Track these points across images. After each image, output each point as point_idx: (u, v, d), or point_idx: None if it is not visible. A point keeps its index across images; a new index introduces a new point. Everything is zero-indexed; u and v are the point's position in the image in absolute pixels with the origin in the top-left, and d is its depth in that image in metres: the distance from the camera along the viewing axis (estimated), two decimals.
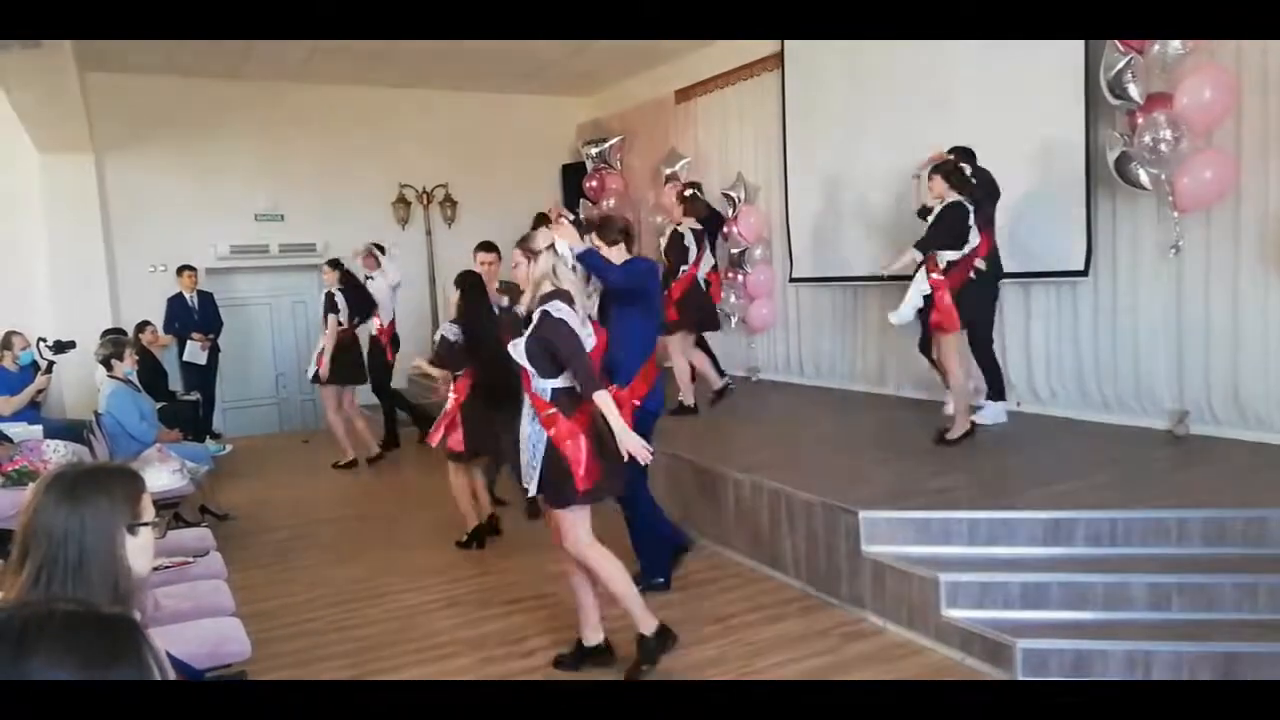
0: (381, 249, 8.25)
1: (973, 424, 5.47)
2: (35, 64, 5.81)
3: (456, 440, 5.25)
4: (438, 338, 5.52)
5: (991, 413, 5.86)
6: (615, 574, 3.57)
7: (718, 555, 5.06)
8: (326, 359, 7.70)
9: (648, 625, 3.60)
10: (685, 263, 6.77)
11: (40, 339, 7.29)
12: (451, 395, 5.28)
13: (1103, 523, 3.94)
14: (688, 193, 7.16)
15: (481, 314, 5.32)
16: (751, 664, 3.73)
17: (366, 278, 8.15)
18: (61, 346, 7.03)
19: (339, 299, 7.77)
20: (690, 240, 6.81)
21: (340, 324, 7.74)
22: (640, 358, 4.26)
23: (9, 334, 7.08)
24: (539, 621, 4.24)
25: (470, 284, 5.43)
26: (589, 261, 3.88)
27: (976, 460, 5.17)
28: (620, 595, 3.58)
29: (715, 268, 7.25)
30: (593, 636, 3.75)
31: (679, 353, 6.79)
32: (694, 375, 6.93)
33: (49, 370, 6.79)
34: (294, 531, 6.03)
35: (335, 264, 7.96)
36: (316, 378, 7.84)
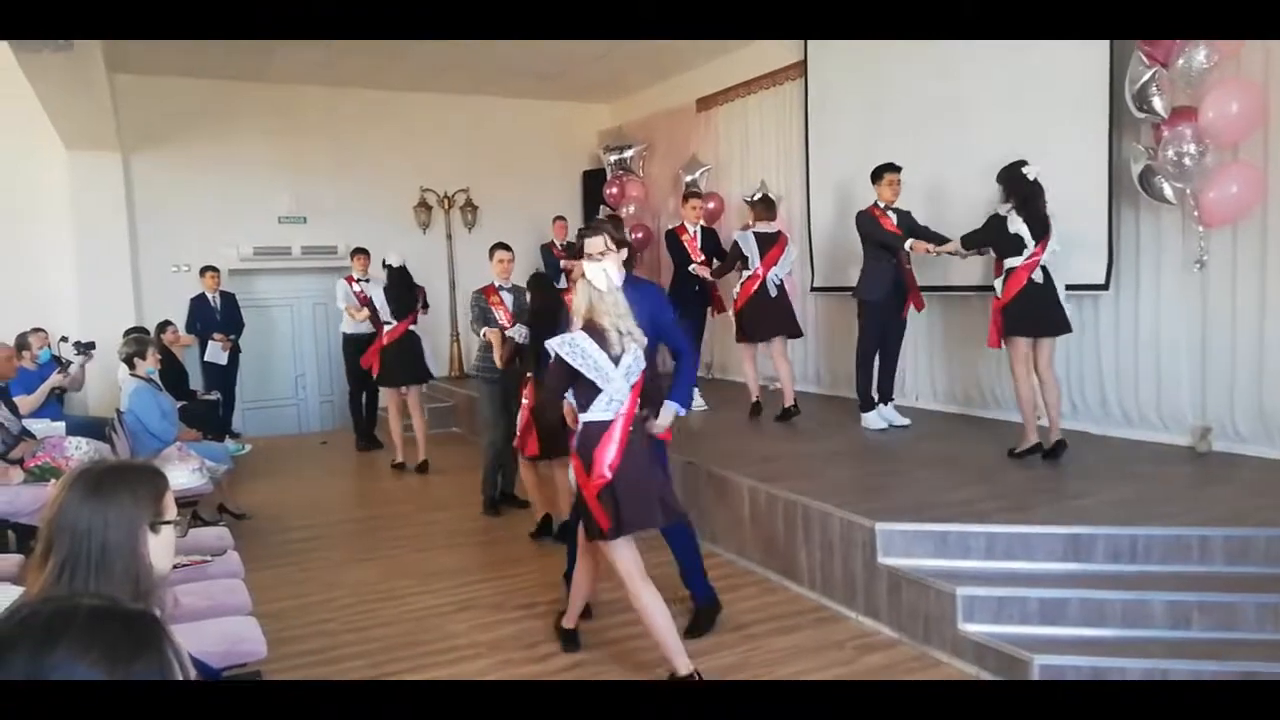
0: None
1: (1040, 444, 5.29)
2: (66, 64, 5.90)
3: (532, 445, 5.25)
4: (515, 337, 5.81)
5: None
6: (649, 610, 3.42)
7: (732, 564, 5.05)
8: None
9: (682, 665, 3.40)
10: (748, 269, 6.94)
11: (62, 338, 7.38)
12: (524, 401, 5.25)
13: (1123, 539, 3.90)
14: (756, 196, 7.24)
15: (547, 316, 5.04)
16: (766, 674, 3.72)
17: (365, 280, 8.26)
18: (82, 348, 7.13)
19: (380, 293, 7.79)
20: (752, 245, 6.93)
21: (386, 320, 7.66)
22: None
23: (26, 334, 7.15)
24: (553, 626, 4.24)
25: (541, 285, 5.44)
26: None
27: (995, 474, 5.14)
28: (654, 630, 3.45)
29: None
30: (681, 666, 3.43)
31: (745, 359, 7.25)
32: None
33: (65, 368, 6.87)
34: (310, 532, 6.06)
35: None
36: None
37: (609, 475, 3.34)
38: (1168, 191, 5.15)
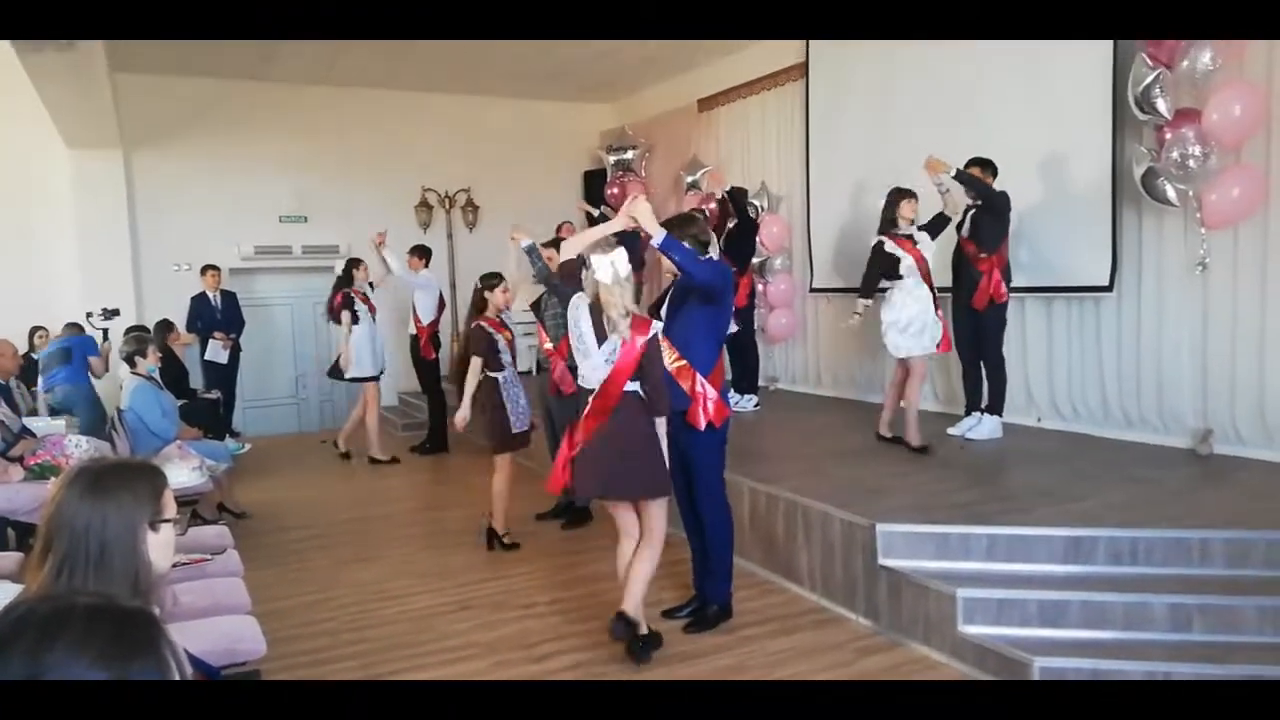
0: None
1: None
2: (67, 63, 5.90)
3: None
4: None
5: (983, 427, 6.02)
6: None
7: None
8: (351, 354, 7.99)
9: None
10: None
11: (88, 313, 7.56)
12: None
13: (1124, 541, 3.90)
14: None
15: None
16: (765, 675, 3.71)
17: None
18: (108, 314, 7.36)
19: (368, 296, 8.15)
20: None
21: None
22: (704, 363, 4.00)
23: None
24: (552, 627, 4.24)
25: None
26: (670, 252, 3.72)
27: (996, 476, 5.14)
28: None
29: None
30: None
31: None
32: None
33: (106, 337, 7.14)
34: (310, 531, 6.06)
35: (358, 263, 8.28)
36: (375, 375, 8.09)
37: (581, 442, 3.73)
38: (1170, 193, 5.15)
